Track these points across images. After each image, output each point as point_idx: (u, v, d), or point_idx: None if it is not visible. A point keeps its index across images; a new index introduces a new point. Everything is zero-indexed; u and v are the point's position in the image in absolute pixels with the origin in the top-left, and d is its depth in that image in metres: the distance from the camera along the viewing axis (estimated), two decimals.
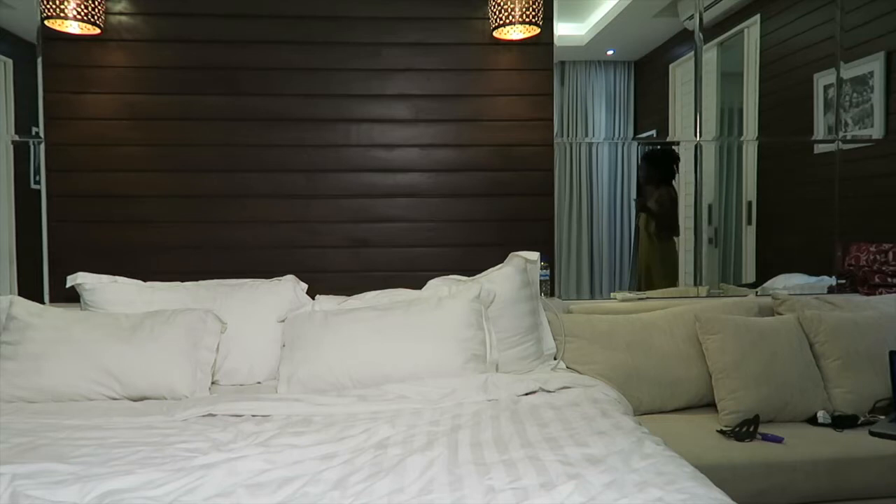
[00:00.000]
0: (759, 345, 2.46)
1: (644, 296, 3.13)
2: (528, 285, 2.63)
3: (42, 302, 2.70)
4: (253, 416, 1.94)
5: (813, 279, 3.32)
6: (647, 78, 3.73)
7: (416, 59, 2.94)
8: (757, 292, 3.29)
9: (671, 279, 3.39)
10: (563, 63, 3.46)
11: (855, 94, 3.25)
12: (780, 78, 3.55)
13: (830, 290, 3.21)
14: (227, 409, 1.97)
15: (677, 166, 3.43)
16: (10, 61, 2.86)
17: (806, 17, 3.41)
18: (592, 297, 3.25)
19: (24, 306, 2.37)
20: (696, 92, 3.19)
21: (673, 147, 3.41)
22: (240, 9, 2.85)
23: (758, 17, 3.49)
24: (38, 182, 2.79)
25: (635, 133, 3.84)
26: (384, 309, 2.41)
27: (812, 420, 2.40)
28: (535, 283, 2.68)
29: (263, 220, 2.88)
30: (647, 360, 2.55)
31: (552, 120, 3.06)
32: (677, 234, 3.41)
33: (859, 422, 2.37)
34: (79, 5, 2.54)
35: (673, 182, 3.45)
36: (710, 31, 3.30)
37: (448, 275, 2.76)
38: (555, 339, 2.65)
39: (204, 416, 1.96)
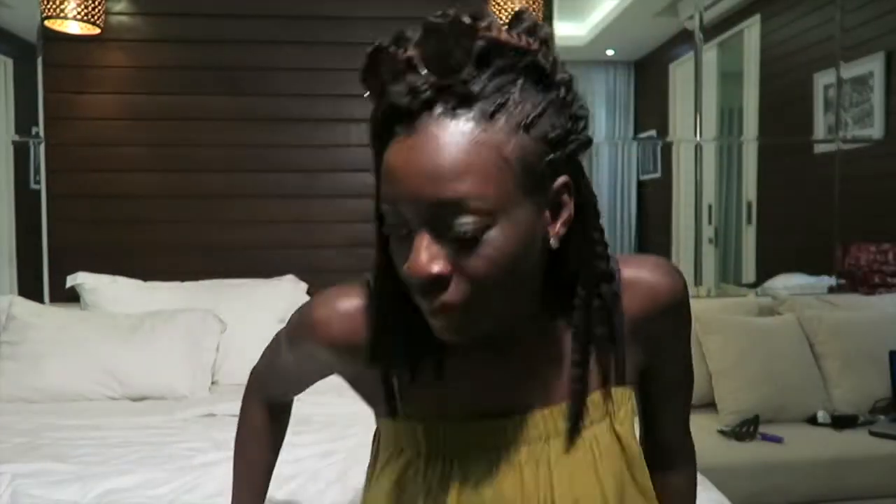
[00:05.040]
0: (759, 345, 2.46)
1: None
2: None
3: (42, 302, 2.70)
4: None
5: (813, 279, 3.32)
6: (647, 78, 3.73)
7: None
8: (757, 292, 3.29)
9: None
10: (563, 63, 3.46)
11: (855, 94, 3.25)
12: (780, 78, 3.55)
13: (830, 290, 3.21)
14: (227, 409, 1.97)
15: None
16: (10, 61, 2.86)
17: (806, 17, 3.41)
18: None
19: (24, 306, 2.37)
20: (696, 92, 3.18)
21: None
22: (240, 9, 2.84)
23: (758, 17, 3.49)
24: (38, 182, 2.79)
25: (635, 133, 3.84)
26: None
27: (812, 420, 2.39)
28: None
29: (263, 220, 2.88)
30: None
31: None
32: None
33: (859, 422, 2.37)
34: (79, 5, 2.54)
35: None
36: (710, 31, 3.30)
37: None
38: None
39: (204, 415, 1.96)
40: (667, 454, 0.86)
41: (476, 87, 0.57)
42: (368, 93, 0.61)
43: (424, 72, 0.57)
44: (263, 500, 0.95)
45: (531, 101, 0.59)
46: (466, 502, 0.67)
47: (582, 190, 0.65)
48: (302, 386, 0.92)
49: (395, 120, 0.58)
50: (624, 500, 0.70)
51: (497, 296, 0.61)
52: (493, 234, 0.58)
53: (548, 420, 0.70)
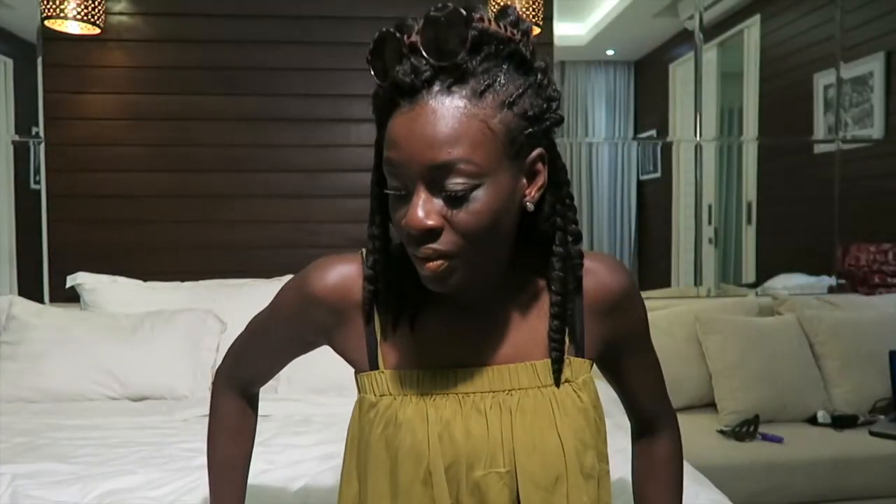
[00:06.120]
0: (759, 345, 2.46)
1: (644, 296, 3.13)
2: None
3: (42, 302, 2.70)
4: None
5: (813, 279, 3.32)
6: (647, 78, 3.73)
7: None
8: (757, 292, 3.29)
9: None
10: (563, 63, 3.46)
11: (855, 94, 3.25)
12: (780, 78, 3.55)
13: (830, 290, 3.22)
14: None
15: None
16: (10, 61, 2.86)
17: (806, 17, 3.41)
18: None
19: (24, 306, 2.37)
20: (696, 92, 3.18)
21: None
22: (240, 9, 2.84)
23: (758, 17, 3.49)
24: (38, 182, 2.79)
25: (635, 133, 3.84)
26: None
27: (812, 420, 2.40)
28: None
29: (263, 220, 2.88)
30: None
31: None
32: None
33: (859, 422, 2.37)
34: (79, 5, 2.54)
35: None
36: (710, 31, 3.30)
37: None
38: None
39: (204, 416, 1.95)
40: (649, 421, 0.97)
41: (468, 69, 0.67)
42: (373, 72, 0.71)
43: (424, 55, 0.67)
44: (244, 497, 0.97)
45: (514, 83, 0.69)
46: (439, 436, 0.76)
47: (555, 162, 0.76)
48: (273, 367, 0.96)
49: (399, 95, 0.68)
50: (582, 458, 0.78)
51: (480, 248, 0.70)
52: (480, 193, 0.68)
53: (512, 374, 0.79)
